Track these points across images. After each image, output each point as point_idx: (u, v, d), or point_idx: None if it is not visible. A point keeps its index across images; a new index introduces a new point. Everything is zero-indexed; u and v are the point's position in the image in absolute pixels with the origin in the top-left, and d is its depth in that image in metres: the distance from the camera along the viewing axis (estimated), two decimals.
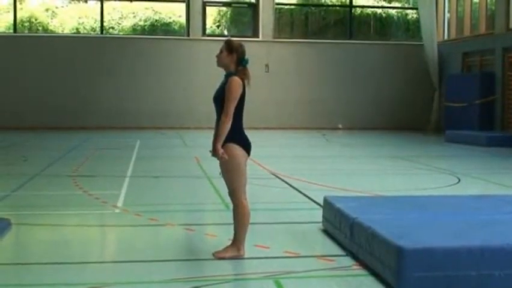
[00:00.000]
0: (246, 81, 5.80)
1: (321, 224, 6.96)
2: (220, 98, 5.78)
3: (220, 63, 5.98)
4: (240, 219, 5.74)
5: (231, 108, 5.66)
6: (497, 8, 22.48)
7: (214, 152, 5.74)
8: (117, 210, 8.13)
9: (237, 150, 5.69)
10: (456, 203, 6.77)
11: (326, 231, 6.73)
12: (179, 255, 6.05)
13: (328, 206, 6.71)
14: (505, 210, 6.31)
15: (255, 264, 5.61)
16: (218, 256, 5.72)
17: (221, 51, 5.97)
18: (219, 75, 23.64)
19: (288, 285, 4.98)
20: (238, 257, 5.70)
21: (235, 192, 5.74)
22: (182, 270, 5.44)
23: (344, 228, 6.04)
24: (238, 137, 5.73)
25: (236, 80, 5.74)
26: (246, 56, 5.93)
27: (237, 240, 5.75)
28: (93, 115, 24.98)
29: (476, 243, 4.79)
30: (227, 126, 5.64)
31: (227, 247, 5.79)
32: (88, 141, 19.15)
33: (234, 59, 5.89)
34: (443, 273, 4.67)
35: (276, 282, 5.06)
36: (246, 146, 5.77)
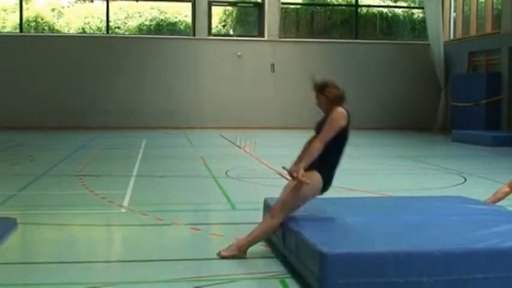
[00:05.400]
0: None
1: None
2: (321, 126, 5.64)
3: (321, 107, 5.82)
4: (263, 229, 5.68)
5: (329, 135, 5.52)
6: (503, 7, 22.42)
7: (293, 171, 5.54)
8: (123, 210, 8.13)
9: (317, 183, 5.54)
10: (398, 204, 6.52)
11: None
12: (185, 254, 6.04)
13: (267, 209, 6.45)
14: (449, 212, 6.05)
15: (260, 263, 5.60)
16: (221, 254, 5.69)
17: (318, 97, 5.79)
18: (224, 75, 23.77)
19: (294, 285, 4.97)
20: (240, 257, 5.67)
21: (281, 208, 5.58)
22: (187, 270, 5.44)
23: (278, 234, 5.82)
24: (326, 172, 5.60)
25: (341, 110, 5.62)
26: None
27: (246, 243, 5.71)
28: (99, 115, 25.02)
29: (403, 249, 4.60)
30: (317, 152, 5.51)
31: (232, 245, 5.76)
32: (93, 141, 19.17)
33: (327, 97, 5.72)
34: (369, 279, 4.47)
35: (281, 282, 5.06)
36: (326, 185, 5.64)
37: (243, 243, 5.70)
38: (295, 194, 5.55)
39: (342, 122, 5.58)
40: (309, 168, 5.51)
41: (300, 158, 5.76)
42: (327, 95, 5.69)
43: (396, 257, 4.52)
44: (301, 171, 5.44)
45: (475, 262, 4.60)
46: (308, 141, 5.92)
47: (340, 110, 5.60)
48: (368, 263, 4.51)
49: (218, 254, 5.71)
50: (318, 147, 5.52)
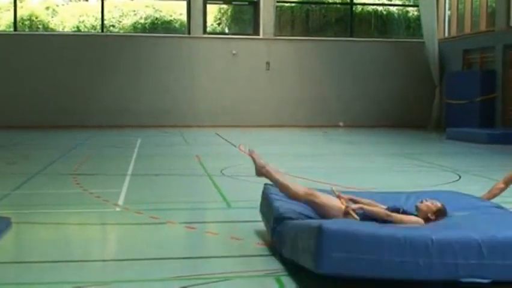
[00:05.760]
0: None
1: None
2: (400, 212, 5.62)
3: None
4: (287, 183, 5.85)
5: (396, 221, 5.43)
6: (497, 5, 22.45)
7: (346, 202, 5.67)
8: (118, 209, 8.12)
9: (352, 216, 5.53)
10: (393, 198, 6.49)
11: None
12: (180, 253, 6.04)
13: (264, 197, 6.55)
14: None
15: (256, 261, 5.61)
16: (252, 153, 5.99)
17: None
18: (219, 73, 23.72)
19: (290, 283, 4.98)
20: (256, 165, 5.93)
21: (311, 200, 5.69)
22: (183, 268, 5.44)
23: (271, 224, 5.89)
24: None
25: (417, 220, 5.51)
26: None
27: (271, 172, 5.90)
28: (94, 113, 24.97)
29: (401, 232, 4.71)
30: (378, 216, 5.47)
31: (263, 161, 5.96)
32: (89, 139, 19.15)
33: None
34: (364, 256, 4.54)
35: (277, 280, 5.06)
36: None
37: (266, 169, 5.92)
38: (326, 206, 5.63)
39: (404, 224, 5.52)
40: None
41: (359, 201, 5.80)
42: (433, 217, 5.56)
43: (393, 238, 4.61)
44: (353, 207, 5.56)
45: (469, 249, 4.67)
46: (373, 201, 5.90)
47: (416, 220, 5.51)
48: (365, 240, 4.60)
49: (250, 150, 6.08)
50: (380, 215, 5.49)
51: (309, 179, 10.49)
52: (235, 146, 17.21)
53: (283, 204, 5.97)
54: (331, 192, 5.96)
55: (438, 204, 5.61)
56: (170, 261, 5.66)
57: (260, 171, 5.90)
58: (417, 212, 5.61)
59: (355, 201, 5.82)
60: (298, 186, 5.82)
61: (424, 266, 4.58)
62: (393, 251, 4.58)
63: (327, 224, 4.71)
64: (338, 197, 5.77)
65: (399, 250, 4.58)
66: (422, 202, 5.64)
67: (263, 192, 6.64)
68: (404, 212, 5.61)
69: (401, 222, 5.46)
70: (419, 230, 4.91)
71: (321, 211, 5.67)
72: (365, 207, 5.62)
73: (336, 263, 4.55)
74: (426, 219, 5.54)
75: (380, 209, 5.64)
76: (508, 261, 4.72)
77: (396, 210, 5.62)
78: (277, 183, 5.92)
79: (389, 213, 5.53)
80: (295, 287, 4.90)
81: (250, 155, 6.00)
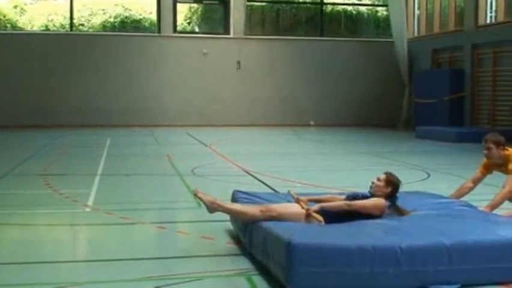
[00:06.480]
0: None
1: None
2: (359, 197, 5.72)
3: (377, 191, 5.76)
4: (242, 210, 5.71)
5: (358, 210, 5.52)
6: (466, 5, 22.72)
7: (303, 204, 5.66)
8: (88, 209, 8.06)
9: (315, 218, 5.49)
10: None
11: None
12: (152, 253, 6.02)
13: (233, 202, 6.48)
14: (412, 207, 6.04)
15: (227, 261, 5.61)
16: (198, 193, 5.84)
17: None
18: (189, 72, 23.56)
19: (260, 282, 4.99)
20: (207, 204, 5.77)
21: (272, 216, 5.51)
22: (154, 268, 5.43)
23: (241, 227, 5.90)
24: (332, 222, 5.45)
25: (383, 203, 5.64)
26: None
27: (222, 204, 5.79)
28: (63, 113, 24.73)
29: (369, 241, 4.71)
30: (339, 210, 5.53)
31: (211, 197, 5.84)
32: (58, 139, 18.97)
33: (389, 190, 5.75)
34: (335, 269, 4.57)
35: (248, 279, 5.07)
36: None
37: (217, 203, 5.76)
38: (291, 214, 5.55)
39: (374, 212, 5.58)
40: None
41: (319, 199, 5.89)
42: (390, 189, 5.73)
43: (362, 249, 4.61)
44: (313, 209, 5.53)
45: (439, 255, 4.71)
46: (334, 196, 6.06)
47: (382, 204, 5.64)
48: (334, 253, 4.59)
49: (194, 191, 5.89)
50: (342, 207, 5.56)
51: (280, 178, 10.53)
52: (206, 146, 17.18)
53: (251, 205, 5.97)
54: (290, 197, 5.98)
55: (383, 176, 5.77)
56: (142, 262, 5.64)
57: (212, 207, 5.77)
58: (374, 196, 5.71)
59: (316, 201, 5.85)
60: (252, 208, 5.69)
61: (394, 275, 4.61)
62: (363, 261, 4.60)
63: (296, 239, 4.65)
64: (297, 200, 5.77)
65: (368, 261, 4.60)
66: (371, 187, 5.76)
67: (232, 199, 6.61)
68: (364, 197, 5.68)
69: (364, 207, 5.53)
70: (388, 237, 4.90)
71: (283, 221, 5.61)
72: (325, 205, 5.63)
73: (307, 278, 4.56)
74: (386, 195, 5.67)
75: (339, 202, 5.69)
76: (478, 266, 4.77)
77: (355, 198, 5.68)
78: (231, 213, 5.88)
79: (349, 203, 5.60)
80: (266, 286, 4.91)
81: (196, 195, 5.86)
